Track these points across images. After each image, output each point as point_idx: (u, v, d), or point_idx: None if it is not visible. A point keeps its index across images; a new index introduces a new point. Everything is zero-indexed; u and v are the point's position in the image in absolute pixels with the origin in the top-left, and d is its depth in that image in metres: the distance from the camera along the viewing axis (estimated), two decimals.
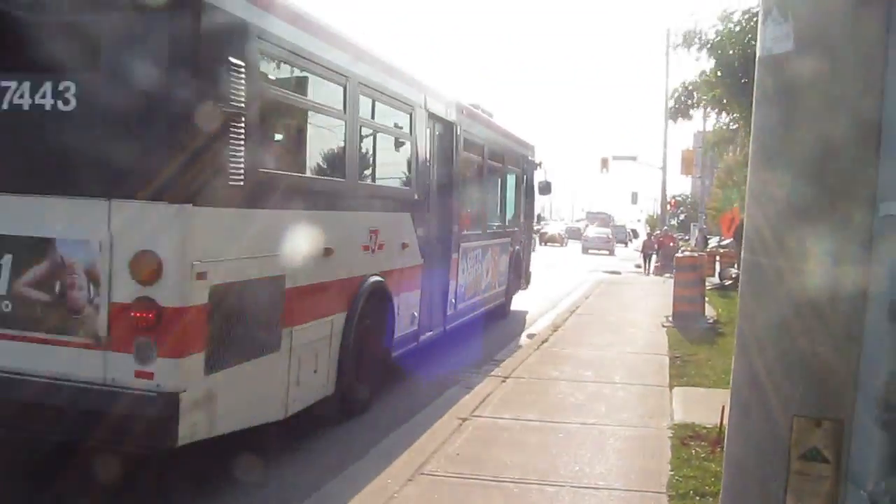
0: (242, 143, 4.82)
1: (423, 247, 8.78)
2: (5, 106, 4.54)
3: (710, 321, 14.82)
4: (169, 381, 4.35)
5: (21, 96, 4.50)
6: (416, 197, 8.37)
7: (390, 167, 8.18)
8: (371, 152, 7.51)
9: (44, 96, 4.46)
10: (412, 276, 8.47)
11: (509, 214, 14.11)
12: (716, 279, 25.79)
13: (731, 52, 13.54)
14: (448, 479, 5.77)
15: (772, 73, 2.52)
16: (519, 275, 15.13)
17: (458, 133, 10.01)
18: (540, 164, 16.24)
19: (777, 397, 2.45)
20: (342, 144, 6.60)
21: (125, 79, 4.38)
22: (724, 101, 14.50)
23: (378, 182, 7.70)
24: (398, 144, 8.17)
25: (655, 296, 20.21)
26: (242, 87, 4.77)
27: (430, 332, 9.49)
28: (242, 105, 4.80)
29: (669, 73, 37.86)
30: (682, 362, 10.55)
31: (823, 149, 2.38)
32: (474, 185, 11.23)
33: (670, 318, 14.68)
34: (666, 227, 37.04)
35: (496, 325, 13.65)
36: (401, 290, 8.07)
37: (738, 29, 13.28)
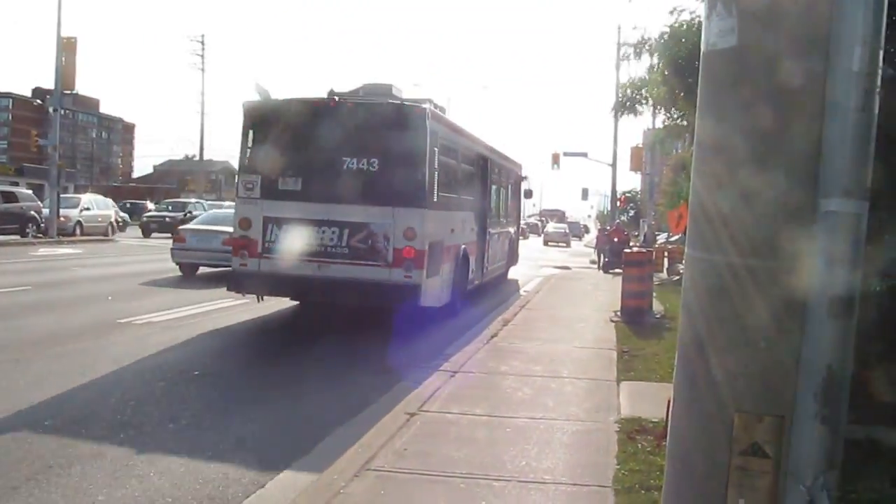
0: (437, 183, 11.49)
1: (476, 232, 15.76)
2: (353, 167, 11.13)
3: (658, 316, 15.02)
4: (416, 279, 10.77)
5: (357, 164, 11.27)
6: (474, 204, 15.43)
7: (468, 189, 15.02)
8: (464, 184, 14.49)
9: (364, 164, 11.19)
10: (474, 248, 15.38)
11: (509, 213, 21.21)
12: (664, 275, 26.16)
13: (676, 49, 13.70)
14: (395, 475, 5.73)
15: (716, 67, 2.53)
16: (513, 254, 22.46)
17: (490, 167, 17.41)
18: (526, 178, 23.91)
19: (719, 393, 2.46)
20: (459, 181, 13.86)
21: (397, 157, 10.94)
22: (673, 95, 14.66)
23: (464, 197, 14.52)
24: (470, 179, 15.31)
25: (604, 291, 20.42)
26: (437, 159, 11.47)
27: (477, 282, 16.20)
28: (437, 168, 11.52)
29: (620, 70, 38.27)
30: (630, 357, 10.65)
31: (768, 142, 2.39)
32: (493, 195, 18.08)
33: (619, 314, 14.83)
34: (617, 221, 37.28)
35: (501, 285, 20.87)
36: (471, 255, 14.90)
37: (683, 28, 13.44)
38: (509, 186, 20.92)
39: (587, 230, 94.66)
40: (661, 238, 44.94)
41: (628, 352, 11.05)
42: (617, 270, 23.70)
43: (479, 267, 16.31)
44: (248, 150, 11.96)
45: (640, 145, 46.56)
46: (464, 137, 15.07)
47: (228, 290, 12.22)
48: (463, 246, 14.24)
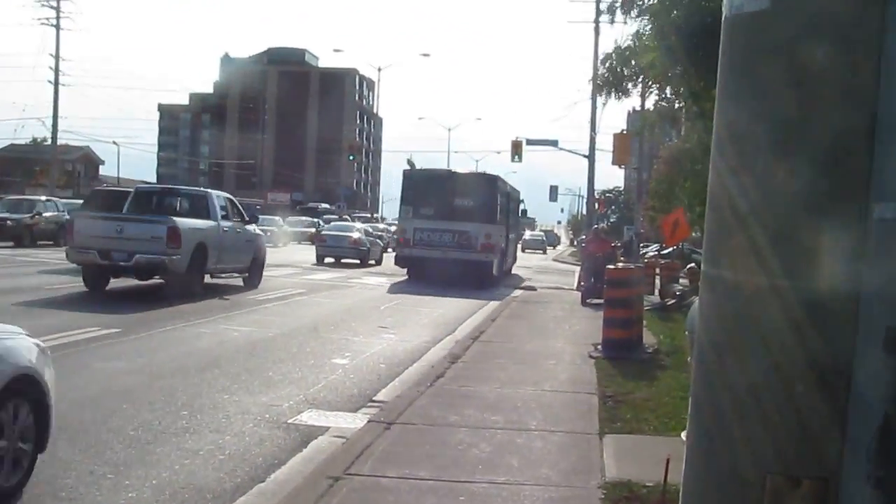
0: (498, 212, 34.09)
1: (506, 238, 36.47)
2: (460, 203, 32.51)
3: (651, 350, 15.21)
4: (493, 260, 31.93)
5: (462, 201, 32.41)
6: (500, 221, 34.50)
7: (504, 214, 36.11)
8: (504, 211, 36.15)
9: (467, 201, 32.50)
10: (508, 247, 37.01)
11: (513, 227, 41.39)
12: (656, 298, 26.48)
13: (674, 9, 13.92)
14: None
15: (742, 35, 2.56)
16: (514, 256, 43.37)
17: (510, 199, 39.49)
18: (523, 201, 45.35)
19: (745, 448, 2.49)
20: (502, 209, 35.76)
21: (483, 198, 32.78)
22: (669, 68, 14.83)
23: (504, 218, 35.88)
24: (505, 207, 36.68)
25: (581, 318, 20.62)
26: (498, 200, 34.75)
27: (506, 267, 36.67)
28: (498, 204, 34.41)
29: (601, 35, 38.77)
30: (615, 403, 10.75)
31: (805, 130, 2.43)
32: (511, 216, 39.07)
33: (599, 348, 14.97)
34: (595, 227, 37.43)
35: (508, 279, 36.19)
36: (507, 251, 37.41)
37: None
38: (516, 209, 43.00)
39: (558, 240, 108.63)
40: (651, 250, 45.40)
41: (613, 397, 11.15)
42: (596, 301, 21.83)
43: (509, 258, 39.00)
44: (406, 194, 32.90)
45: (626, 131, 47.09)
46: (507, 186, 37.66)
47: (395, 264, 33.30)
48: (503, 245, 34.13)
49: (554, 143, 48.62)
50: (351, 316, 19.74)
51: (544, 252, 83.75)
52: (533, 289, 31.86)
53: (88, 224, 20.65)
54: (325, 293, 25.22)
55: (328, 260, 40.25)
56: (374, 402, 10.82)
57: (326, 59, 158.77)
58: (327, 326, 17.45)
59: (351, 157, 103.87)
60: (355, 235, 42.17)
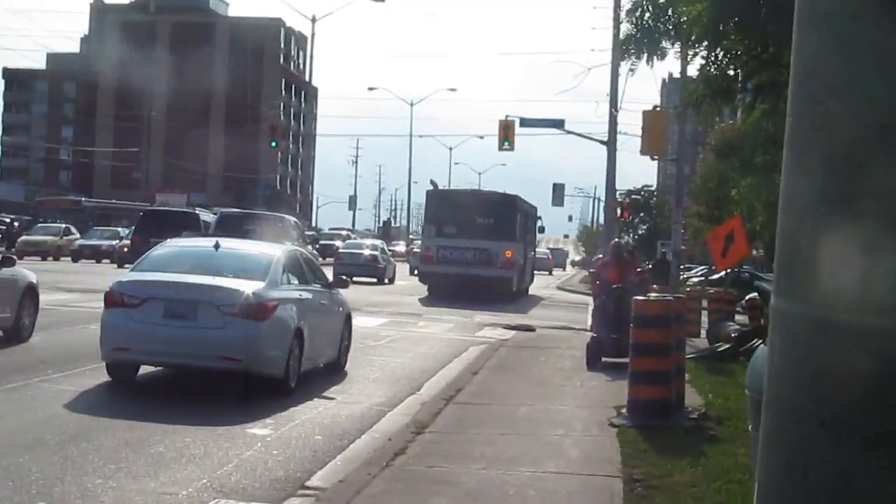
0: (519, 231, 52.34)
1: (525, 256, 55.90)
2: (481, 221, 49.30)
3: (695, 416, 15.18)
4: (512, 276, 49.59)
5: (484, 220, 49.06)
6: (519, 239, 52.49)
7: (523, 232, 54.92)
8: (522, 229, 54.64)
9: (487, 220, 49.16)
10: (526, 264, 56.37)
11: (530, 244, 61.23)
12: (702, 341, 26.51)
13: None
14: None
15: None
16: (532, 275, 61.75)
17: (528, 217, 59.70)
18: (540, 218, 66.29)
19: None
20: (521, 227, 54.12)
21: (503, 218, 49.83)
22: (722, 19, 14.85)
23: (522, 236, 54.61)
24: (524, 225, 56.48)
25: (597, 370, 20.52)
26: (522, 221, 54.42)
27: (524, 285, 55.90)
28: (517, 223, 52.23)
29: None
30: (647, 490, 10.75)
31: None
32: (529, 234, 59.38)
33: (624, 412, 14.95)
34: (616, 240, 36.59)
35: (525, 299, 52.98)
36: (526, 267, 56.26)
37: None
38: (533, 227, 60.54)
39: (566, 259, 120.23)
40: (696, 275, 45.55)
41: (643, 481, 11.15)
42: (616, 360, 20.56)
43: (527, 276, 55.82)
44: (429, 213, 52.64)
45: (661, 108, 46.99)
46: (525, 204, 56.30)
47: (419, 281, 51.15)
48: (522, 262, 51.38)
49: (559, 125, 48.99)
50: None
51: (550, 273, 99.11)
52: (530, 329, 31.75)
53: None
54: None
55: None
56: (307, 488, 10.76)
57: (239, 6, 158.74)
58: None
59: (273, 144, 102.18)
60: (368, 252, 59.48)
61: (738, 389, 14.57)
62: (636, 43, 20.07)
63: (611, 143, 45.12)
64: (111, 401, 15.25)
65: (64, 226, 70.64)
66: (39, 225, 73.26)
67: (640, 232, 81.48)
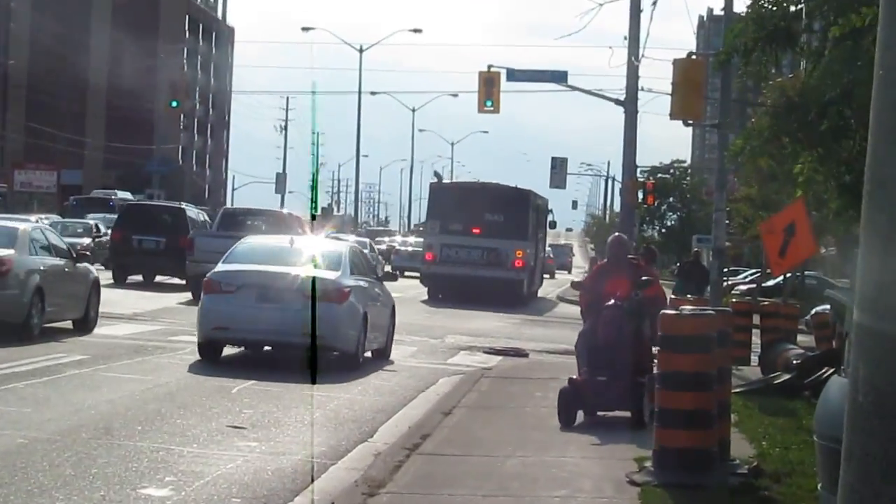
0: (532, 230, 75.68)
1: (536, 257, 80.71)
2: (490, 218, 70.94)
3: (744, 470, 15.25)
4: (523, 278, 72.06)
5: (492, 217, 70.26)
6: (531, 238, 75.92)
7: (535, 229, 78.93)
8: (535, 227, 78.02)
9: (496, 217, 70.44)
10: (538, 264, 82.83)
11: (542, 243, 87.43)
12: (754, 370, 26.65)
13: None
14: None
15: None
16: (542, 277, 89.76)
17: (539, 212, 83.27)
18: (551, 211, 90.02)
19: None
20: (534, 225, 77.14)
21: (513, 215, 71.68)
22: None
23: (534, 234, 78.47)
24: (536, 222, 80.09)
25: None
26: (534, 217, 78.14)
27: (534, 288, 79.72)
28: (529, 220, 74.41)
29: None
30: None
31: None
32: (540, 231, 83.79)
33: (648, 465, 14.99)
34: (619, 233, 36.50)
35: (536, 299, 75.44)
36: (536, 268, 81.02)
37: None
38: (544, 223, 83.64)
39: (570, 259, 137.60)
40: (744, 280, 45.80)
41: None
42: (613, 414, 20.06)
43: (537, 278, 78.65)
44: (432, 208, 72.99)
45: (698, 56, 46.98)
46: (537, 199, 78.38)
47: (421, 283, 70.00)
48: (532, 263, 72.30)
49: (560, 78, 49.13)
50: (175, 405, 19.59)
51: (552, 276, 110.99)
52: (522, 354, 31.83)
53: None
54: (125, 363, 25.22)
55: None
56: None
57: None
58: (129, 425, 17.33)
59: (173, 104, 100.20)
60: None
61: (802, 435, 14.65)
62: None
63: (630, 103, 45.32)
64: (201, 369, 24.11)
65: None
66: None
67: (668, 223, 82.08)
